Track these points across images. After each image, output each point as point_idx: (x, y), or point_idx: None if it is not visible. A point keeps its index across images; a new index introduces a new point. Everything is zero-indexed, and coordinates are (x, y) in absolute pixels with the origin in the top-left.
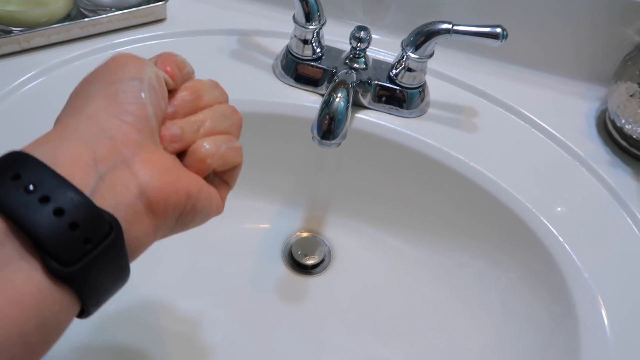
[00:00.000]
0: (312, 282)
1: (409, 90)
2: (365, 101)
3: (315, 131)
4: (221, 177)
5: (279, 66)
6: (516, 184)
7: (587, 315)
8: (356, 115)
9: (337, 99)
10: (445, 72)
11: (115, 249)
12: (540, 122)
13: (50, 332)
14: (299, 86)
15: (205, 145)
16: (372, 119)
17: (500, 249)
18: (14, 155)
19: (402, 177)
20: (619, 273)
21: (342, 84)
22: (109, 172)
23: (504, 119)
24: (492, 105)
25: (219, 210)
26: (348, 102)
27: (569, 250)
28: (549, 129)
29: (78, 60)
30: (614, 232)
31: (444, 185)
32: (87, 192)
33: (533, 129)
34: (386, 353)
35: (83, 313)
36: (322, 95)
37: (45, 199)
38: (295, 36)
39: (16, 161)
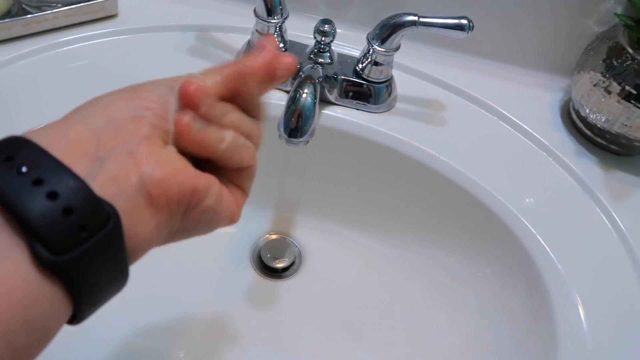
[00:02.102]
0: (283, 286)
1: (376, 85)
2: (331, 97)
3: (282, 129)
4: (234, 182)
5: None
6: (487, 177)
7: (563, 307)
8: (323, 111)
9: (304, 95)
10: (411, 65)
11: (113, 241)
12: (506, 113)
13: (38, 335)
14: None
15: (223, 132)
16: (339, 115)
17: (474, 244)
18: (10, 139)
19: (372, 173)
20: (591, 263)
21: (308, 79)
22: (110, 159)
23: (471, 112)
24: (459, 98)
25: (232, 216)
26: (315, 98)
27: (542, 242)
28: (516, 120)
29: (20, 60)
30: (584, 222)
31: (414, 181)
32: (85, 177)
33: (500, 121)
34: (363, 356)
35: (75, 318)
36: (287, 92)
37: (38, 182)
38: (256, 31)
39: (11, 143)
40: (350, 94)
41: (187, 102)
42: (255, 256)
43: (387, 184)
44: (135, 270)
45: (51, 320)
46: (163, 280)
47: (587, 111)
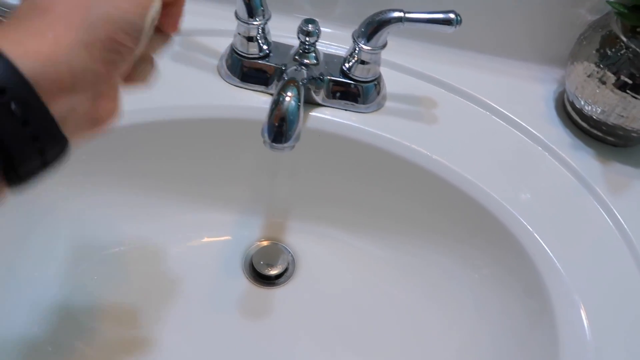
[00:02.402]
0: (277, 293)
1: (364, 84)
2: (318, 98)
3: (265, 135)
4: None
5: (224, 67)
6: (481, 175)
7: (563, 306)
8: (310, 113)
9: (288, 99)
10: (399, 62)
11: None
12: (499, 108)
13: None
14: (247, 87)
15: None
16: (327, 117)
17: (470, 244)
18: None
19: (363, 175)
20: (591, 259)
21: (292, 82)
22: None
23: (463, 108)
24: (450, 94)
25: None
26: (299, 101)
27: (540, 240)
28: (509, 114)
29: None
30: (582, 218)
31: (407, 181)
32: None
33: (493, 116)
34: None
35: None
36: (272, 94)
37: None
38: (239, 33)
39: None
40: (338, 94)
41: None
42: (247, 264)
43: (379, 186)
44: (124, 281)
45: None
46: (153, 291)
47: (582, 103)
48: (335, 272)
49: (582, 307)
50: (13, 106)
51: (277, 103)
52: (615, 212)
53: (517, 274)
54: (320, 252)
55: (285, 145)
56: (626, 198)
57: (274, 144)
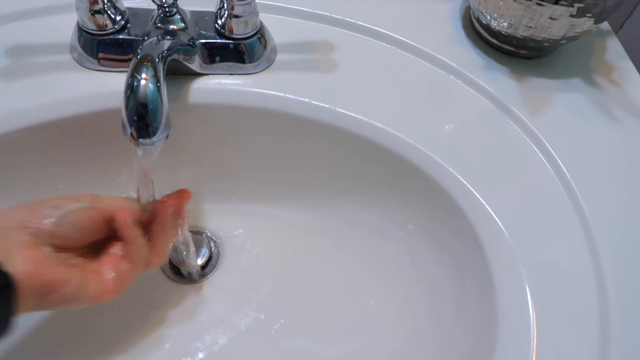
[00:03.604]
0: (205, 286)
1: (245, 41)
2: (195, 67)
3: (127, 131)
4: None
5: (78, 49)
6: (392, 120)
7: (496, 251)
8: (191, 86)
9: (143, 82)
10: (282, 4)
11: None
12: (403, 39)
13: None
14: (108, 69)
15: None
16: (212, 86)
17: (392, 197)
18: None
19: (268, 142)
20: (518, 191)
21: (145, 60)
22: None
23: (364, 46)
24: (348, 32)
25: (97, 299)
26: (158, 82)
27: (463, 180)
28: (415, 44)
29: None
30: (504, 147)
31: (316, 141)
32: None
33: (399, 49)
34: (302, 344)
35: None
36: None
37: None
38: (81, 7)
39: None
40: (218, 58)
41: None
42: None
43: (287, 151)
44: None
45: None
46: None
47: (488, 18)
48: (261, 248)
49: (515, 245)
50: None
51: (131, 88)
52: (536, 132)
53: (445, 223)
54: (243, 230)
55: (155, 139)
56: (545, 115)
57: (140, 141)
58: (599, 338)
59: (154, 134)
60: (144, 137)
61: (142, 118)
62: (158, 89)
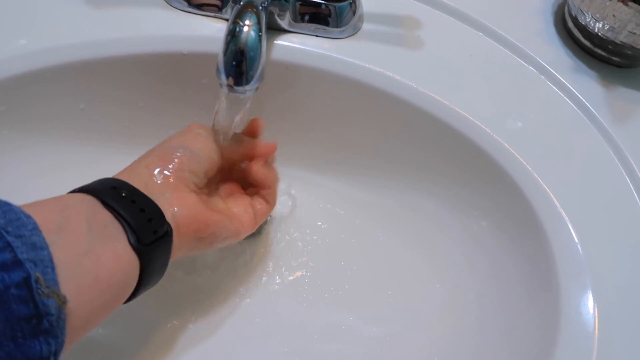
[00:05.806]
0: (252, 251)
1: (337, 3)
2: (284, 23)
3: (222, 76)
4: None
5: None
6: (473, 107)
7: (565, 254)
8: (275, 42)
9: (246, 29)
10: None
11: (168, 242)
12: (492, 26)
13: (118, 294)
14: (196, 12)
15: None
16: (296, 45)
17: (461, 184)
18: (111, 180)
19: (341, 112)
20: (592, 197)
21: (249, 6)
22: (158, 199)
23: (452, 28)
24: (436, 11)
25: (237, 234)
26: (260, 31)
27: (542, 182)
28: (503, 34)
29: None
30: (583, 150)
31: (390, 117)
32: None
33: (486, 37)
34: (342, 318)
35: (131, 297)
36: (227, 20)
37: (133, 202)
38: None
39: (112, 180)
40: (307, 17)
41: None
42: None
43: (359, 122)
44: None
45: (126, 288)
46: None
47: (588, 18)
48: (312, 218)
49: (585, 253)
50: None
51: (233, 34)
52: (620, 144)
53: (513, 218)
54: (296, 198)
55: (247, 87)
56: (630, 126)
57: (234, 87)
58: None
59: (248, 82)
60: (238, 84)
61: (239, 65)
62: (259, 38)
